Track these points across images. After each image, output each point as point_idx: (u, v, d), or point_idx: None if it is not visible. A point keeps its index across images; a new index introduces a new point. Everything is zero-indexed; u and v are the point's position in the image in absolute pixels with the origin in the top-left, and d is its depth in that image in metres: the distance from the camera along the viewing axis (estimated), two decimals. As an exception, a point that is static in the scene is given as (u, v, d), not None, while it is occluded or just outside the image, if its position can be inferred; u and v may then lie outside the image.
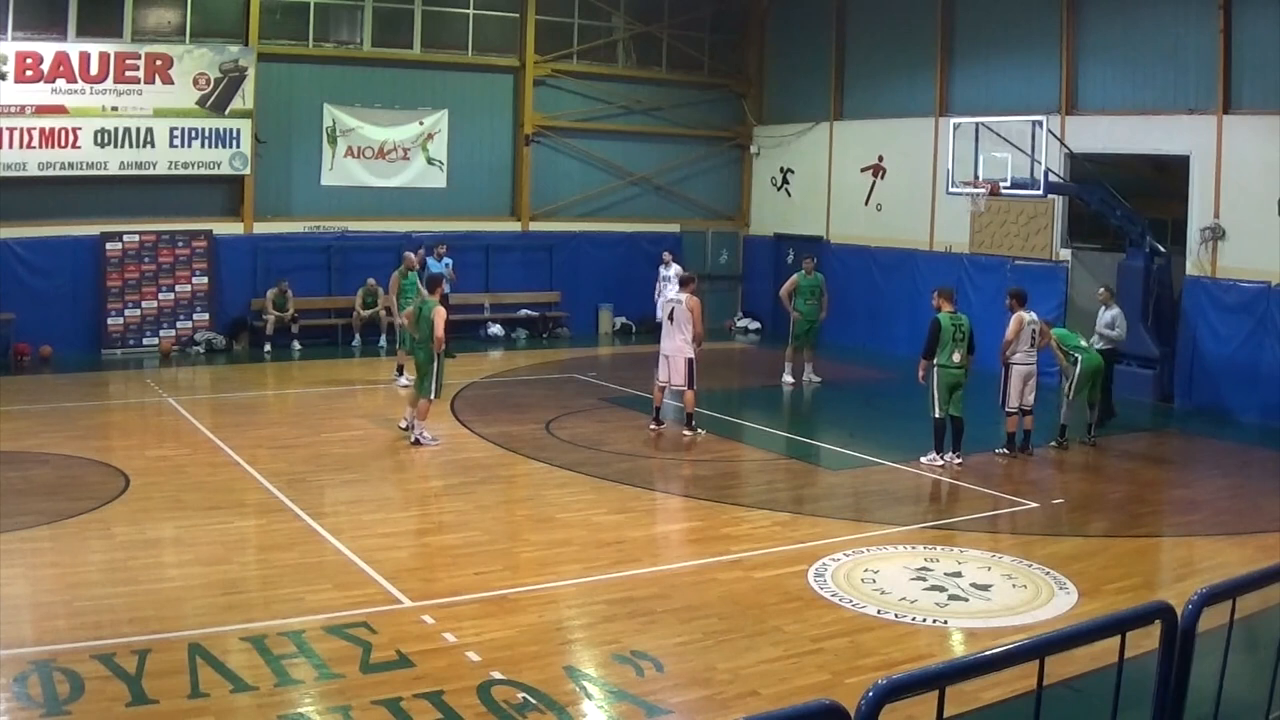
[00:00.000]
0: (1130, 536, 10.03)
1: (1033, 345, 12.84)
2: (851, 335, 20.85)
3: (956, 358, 12.21)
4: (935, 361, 12.28)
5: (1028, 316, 12.86)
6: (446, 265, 19.29)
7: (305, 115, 20.39)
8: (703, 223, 24.44)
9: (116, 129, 18.45)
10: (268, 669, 6.60)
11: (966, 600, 8.14)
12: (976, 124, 17.00)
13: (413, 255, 17.07)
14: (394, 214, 21.12)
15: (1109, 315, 14.59)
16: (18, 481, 10.64)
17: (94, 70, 18.15)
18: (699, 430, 13.46)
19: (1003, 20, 19.22)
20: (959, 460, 12.29)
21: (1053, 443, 13.32)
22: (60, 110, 17.98)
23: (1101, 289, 15.10)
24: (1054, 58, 18.13)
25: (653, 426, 13.67)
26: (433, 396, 12.76)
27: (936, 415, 12.32)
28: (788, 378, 17.43)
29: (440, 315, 12.49)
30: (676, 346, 13.51)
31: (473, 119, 21.96)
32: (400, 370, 16.24)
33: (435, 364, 12.59)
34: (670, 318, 13.63)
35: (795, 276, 17.50)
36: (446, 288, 19.16)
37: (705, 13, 23.90)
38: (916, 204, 20.46)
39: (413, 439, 12.71)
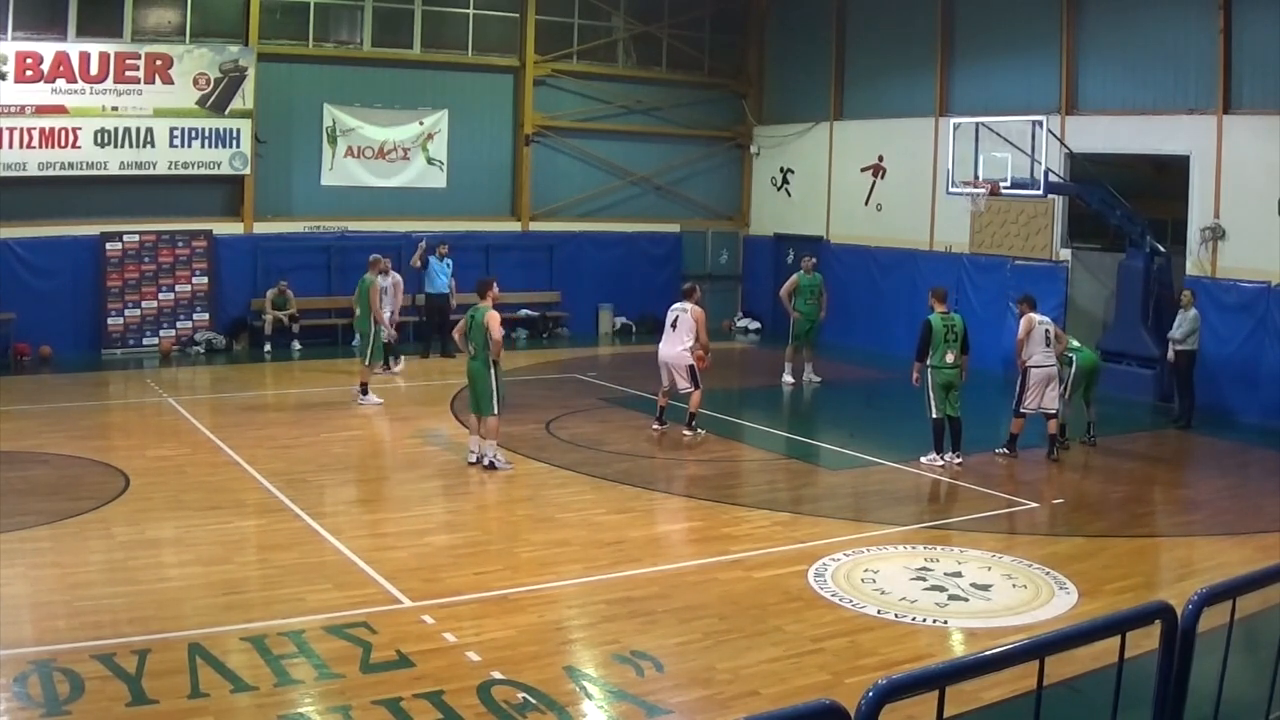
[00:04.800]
0: (1130, 536, 10.03)
1: (1048, 346, 12.74)
2: (851, 335, 20.84)
3: (949, 358, 12.22)
4: (928, 362, 12.29)
5: (1039, 318, 12.80)
6: (448, 265, 19.29)
7: (305, 115, 20.39)
8: (703, 223, 24.43)
9: (116, 129, 18.45)
10: (268, 669, 6.60)
11: (966, 600, 8.14)
12: (976, 124, 17.00)
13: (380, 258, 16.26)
14: (394, 214, 21.12)
15: (1187, 317, 14.54)
16: (18, 481, 10.64)
17: (94, 70, 18.15)
18: (699, 431, 13.46)
19: (1003, 20, 19.22)
20: (959, 460, 12.28)
21: None
22: (60, 110, 17.98)
23: (1185, 291, 15.06)
24: (1054, 58, 18.12)
25: (655, 427, 13.68)
26: (496, 411, 11.57)
27: (933, 416, 12.33)
28: (788, 378, 17.44)
29: (495, 319, 11.45)
30: (677, 354, 13.50)
31: (473, 119, 21.96)
32: (365, 389, 15.09)
33: (493, 375, 11.51)
34: (673, 326, 13.62)
35: (795, 276, 17.51)
36: (446, 288, 19.28)
37: (705, 13, 23.90)
38: (916, 204, 20.45)
39: (486, 462, 11.66)
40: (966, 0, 19.91)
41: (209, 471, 11.43)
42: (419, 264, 19.25)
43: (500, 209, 22.60)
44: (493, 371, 11.55)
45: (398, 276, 17.27)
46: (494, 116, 22.25)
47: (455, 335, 12.28)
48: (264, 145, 19.84)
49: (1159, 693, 3.45)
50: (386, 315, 16.20)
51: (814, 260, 18.10)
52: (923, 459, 12.37)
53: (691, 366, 13.43)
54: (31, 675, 6.36)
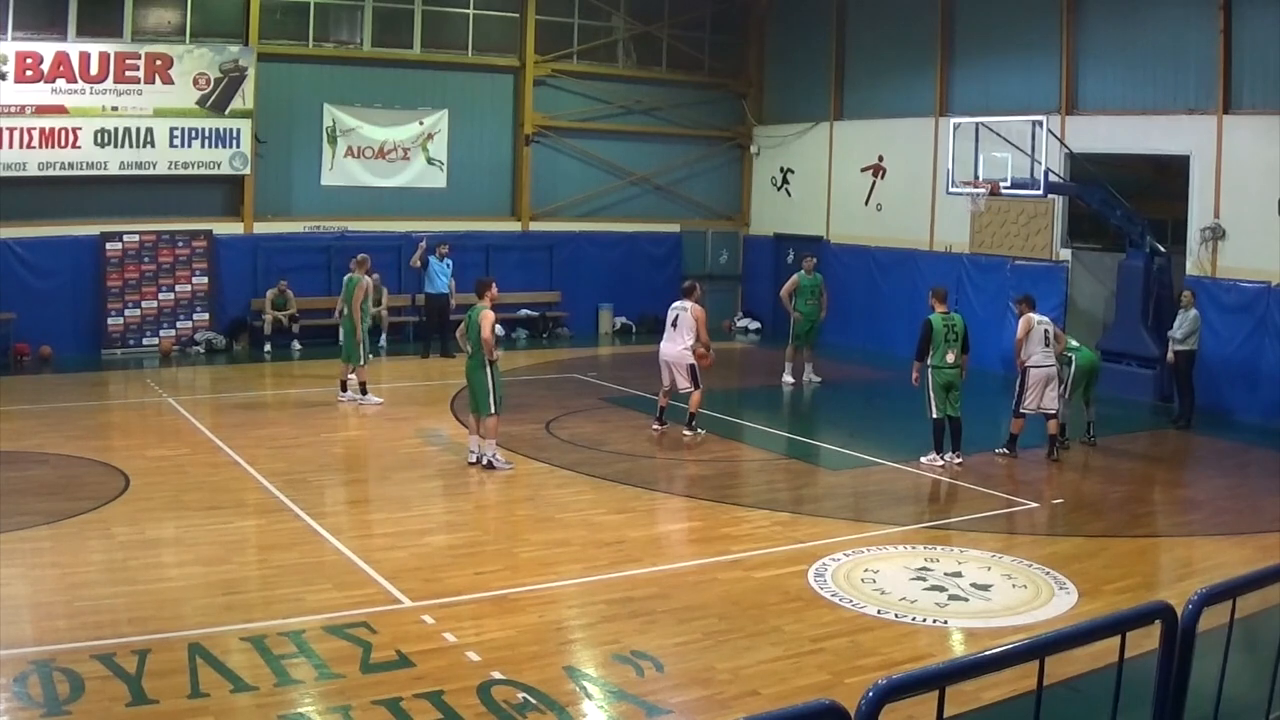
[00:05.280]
0: (1130, 536, 10.03)
1: (1048, 346, 12.71)
2: (851, 335, 20.85)
3: (950, 358, 12.21)
4: (929, 362, 12.29)
5: (1038, 318, 12.79)
6: (448, 265, 19.28)
7: (305, 115, 20.39)
8: (703, 223, 24.44)
9: (116, 129, 18.45)
10: (268, 669, 6.60)
11: (966, 600, 8.14)
12: (976, 124, 16.99)
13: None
14: (394, 214, 21.12)
15: (1188, 317, 14.52)
16: (18, 481, 10.64)
17: (94, 70, 18.15)
18: (699, 431, 13.45)
19: (1003, 20, 19.22)
20: (959, 460, 12.28)
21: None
22: (60, 110, 17.98)
23: (1185, 291, 15.03)
24: (1054, 58, 18.12)
25: (655, 427, 13.67)
26: (494, 411, 11.62)
27: (934, 416, 12.33)
28: (788, 378, 17.44)
29: (488, 319, 11.51)
30: (678, 353, 13.50)
31: (473, 119, 21.96)
32: (345, 386, 15.24)
33: (489, 374, 11.55)
34: (674, 324, 13.62)
35: (796, 276, 17.50)
36: (445, 288, 19.27)
37: (705, 13, 23.90)
38: (916, 204, 20.45)
39: (485, 462, 11.70)
40: (966, 0, 19.91)
41: (209, 471, 11.44)
42: (418, 264, 19.24)
43: (500, 209, 22.60)
44: (488, 371, 11.58)
45: (374, 277, 16.81)
46: (494, 116, 22.25)
47: (457, 336, 12.32)
48: (264, 145, 19.84)
49: (1159, 693, 3.45)
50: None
51: (814, 260, 18.10)
52: (923, 459, 12.37)
53: (692, 366, 13.43)
54: (31, 675, 6.35)
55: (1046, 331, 12.73)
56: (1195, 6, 16.17)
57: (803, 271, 17.50)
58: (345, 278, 15.53)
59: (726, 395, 16.48)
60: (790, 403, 16.93)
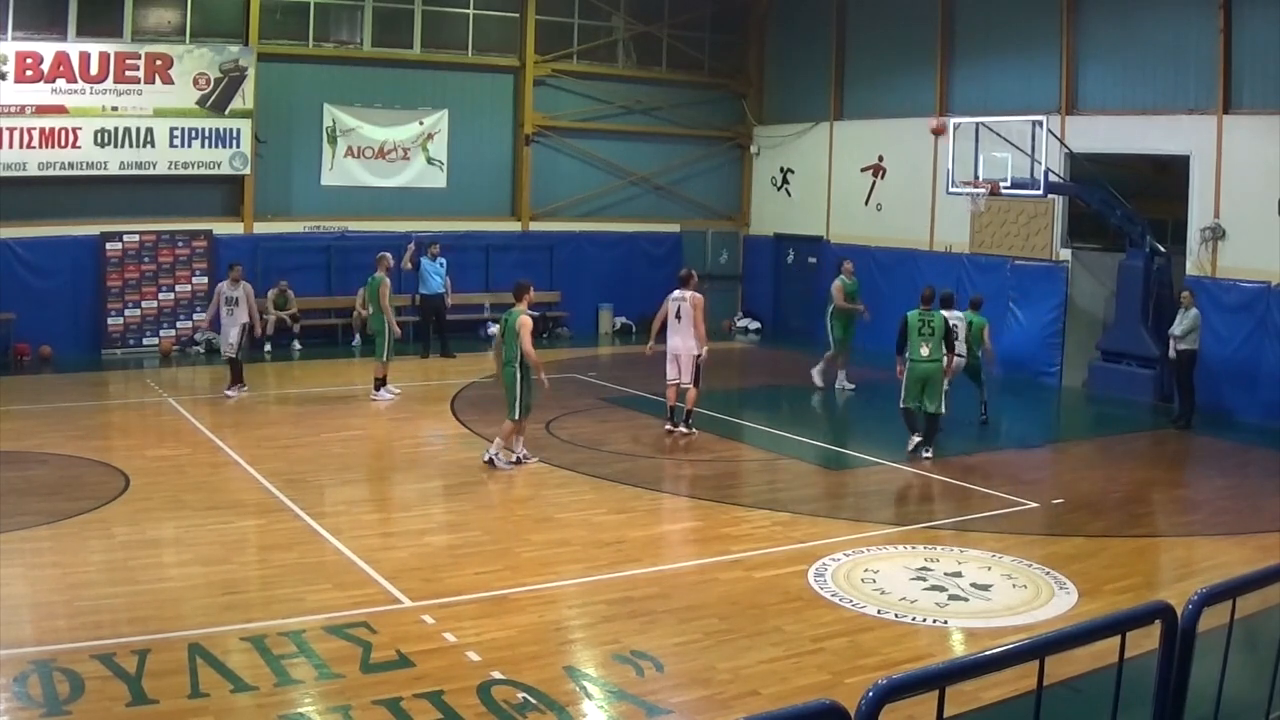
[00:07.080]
0: (1130, 536, 10.03)
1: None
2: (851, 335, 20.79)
3: (924, 351, 12.55)
4: (906, 355, 12.62)
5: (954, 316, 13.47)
6: (441, 265, 19.26)
7: (305, 115, 20.39)
8: (703, 223, 24.43)
9: (116, 129, 18.46)
10: (268, 669, 6.60)
11: (966, 600, 8.14)
12: (976, 124, 16.99)
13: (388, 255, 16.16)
14: (394, 214, 21.12)
15: (1188, 317, 14.53)
16: (18, 481, 10.64)
17: (94, 70, 18.16)
18: (694, 430, 13.51)
19: (1003, 20, 19.22)
20: (928, 455, 12.39)
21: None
22: (60, 110, 17.98)
23: (1184, 291, 15.02)
24: (1054, 58, 18.12)
25: (669, 428, 13.66)
26: (517, 417, 11.74)
27: (900, 405, 12.74)
28: (845, 383, 17.02)
29: (527, 326, 11.55)
30: (686, 345, 13.57)
31: (473, 119, 21.96)
32: (383, 383, 15.48)
33: (520, 381, 11.64)
34: (678, 316, 13.66)
35: (839, 282, 16.94)
36: (440, 288, 19.25)
37: (705, 13, 23.90)
38: (916, 204, 20.45)
39: (486, 459, 11.80)
40: (966, 0, 19.91)
41: (209, 471, 11.44)
42: (410, 266, 19.22)
43: (500, 209, 22.60)
44: (519, 379, 11.63)
45: (249, 286, 15.67)
46: (494, 116, 22.25)
47: (494, 344, 12.13)
48: (264, 145, 19.84)
49: (1159, 693, 3.45)
50: (235, 331, 15.18)
51: (853, 264, 17.57)
52: (908, 447, 12.61)
53: (698, 364, 13.52)
54: (31, 675, 6.35)
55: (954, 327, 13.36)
56: (1195, 6, 16.17)
57: (843, 276, 17.16)
58: (370, 278, 15.61)
59: (727, 395, 16.47)
60: (790, 403, 16.91)
